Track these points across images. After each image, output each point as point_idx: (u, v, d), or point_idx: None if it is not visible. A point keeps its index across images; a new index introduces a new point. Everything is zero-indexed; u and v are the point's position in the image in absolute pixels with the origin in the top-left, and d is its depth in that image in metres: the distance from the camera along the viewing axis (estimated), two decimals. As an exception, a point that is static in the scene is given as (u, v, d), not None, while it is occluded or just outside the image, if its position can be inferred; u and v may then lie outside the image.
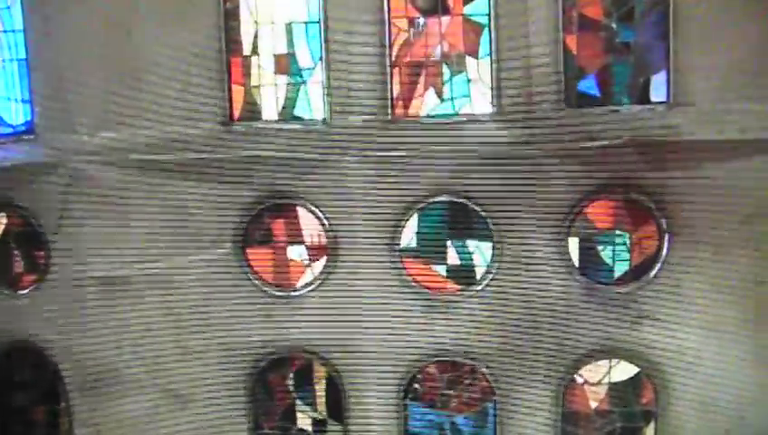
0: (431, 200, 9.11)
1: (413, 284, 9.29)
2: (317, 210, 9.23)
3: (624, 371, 9.29)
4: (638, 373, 9.23)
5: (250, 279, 9.40)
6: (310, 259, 9.40)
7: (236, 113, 9.17)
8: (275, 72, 9.16)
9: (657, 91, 8.69)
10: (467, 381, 9.52)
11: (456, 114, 9.00)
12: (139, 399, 9.57)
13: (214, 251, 9.32)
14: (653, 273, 8.93)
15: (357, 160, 8.99)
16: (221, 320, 9.44)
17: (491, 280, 9.17)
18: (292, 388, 9.75)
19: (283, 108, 9.19)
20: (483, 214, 9.05)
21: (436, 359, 9.47)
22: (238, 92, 9.17)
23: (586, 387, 9.39)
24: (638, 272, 9.01)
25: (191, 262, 9.32)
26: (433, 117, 9.03)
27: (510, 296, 9.19)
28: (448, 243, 9.28)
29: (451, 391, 9.57)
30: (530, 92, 8.70)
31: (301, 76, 9.11)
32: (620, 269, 9.09)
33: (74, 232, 9.38)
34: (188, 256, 9.32)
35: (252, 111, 9.21)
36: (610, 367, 9.30)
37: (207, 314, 9.45)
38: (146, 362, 9.49)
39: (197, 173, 9.12)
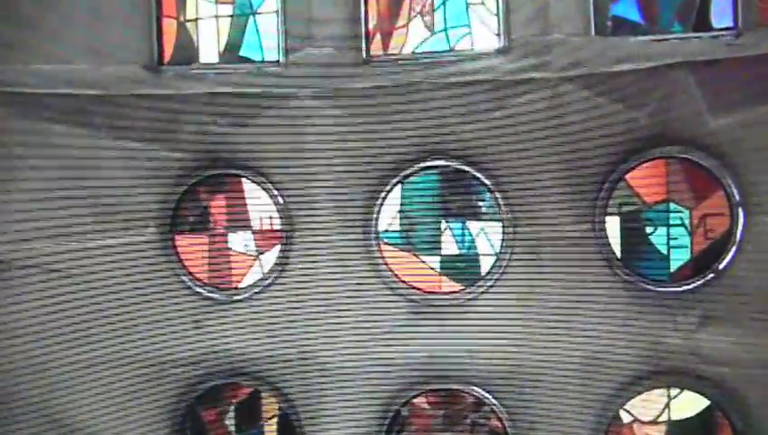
0: (419, 166, 7.12)
1: (395, 282, 7.21)
2: (268, 183, 7.27)
3: (689, 404, 7.03)
4: (709, 407, 6.97)
5: (178, 276, 7.32)
6: (258, 250, 7.41)
7: (167, 54, 7.38)
8: (216, 2, 7.42)
9: (720, 15, 6.82)
10: (471, 419, 7.30)
11: (451, 50, 7.15)
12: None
13: (129, 236, 7.28)
14: (723, 263, 6.80)
15: (320, 115, 7.12)
16: (136, 331, 7.31)
17: (501, 276, 7.08)
18: (232, 427, 7.57)
19: (227, 47, 7.41)
20: (489, 184, 7.03)
21: (428, 387, 7.28)
22: (169, 27, 7.40)
23: (636, 428, 7.13)
24: (702, 262, 6.90)
25: (97, 248, 7.25)
26: (420, 54, 7.19)
27: (527, 298, 7.07)
28: (443, 225, 7.24)
29: (449, 433, 7.38)
30: (548, 19, 6.86)
31: (249, 6, 7.37)
32: (678, 259, 6.96)
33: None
34: (93, 239, 7.24)
35: (186, 52, 7.41)
36: (669, 398, 7.06)
37: (117, 321, 7.32)
38: (29, 382, 7.32)
39: (111, 128, 7.18)
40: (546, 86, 6.83)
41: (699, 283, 6.88)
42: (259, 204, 7.35)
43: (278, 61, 7.24)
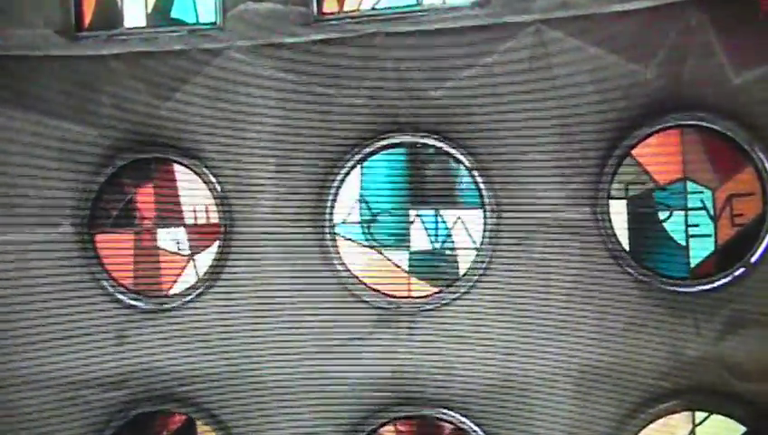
0: (383, 143, 6.03)
1: (355, 284, 6.08)
2: (204, 169, 6.19)
3: (719, 430, 5.77)
4: None
5: (98, 280, 6.26)
6: (192, 249, 6.31)
7: (86, 18, 6.43)
8: (142, -43, 6.49)
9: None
10: (449, 451, 6.16)
11: (419, 6, 6.05)
12: None
13: (38, 233, 6.25)
14: (756, 256, 5.61)
15: (262, 83, 6.05)
16: (47, 347, 6.26)
17: (483, 275, 5.94)
18: (162, 463, 6.45)
19: (155, 9, 6.42)
20: (466, 162, 5.92)
21: (397, 413, 6.10)
22: (89, -13, 6.55)
23: (653, 461, 5.96)
24: (729, 255, 5.73)
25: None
26: (381, 11, 6.10)
27: (514, 302, 5.91)
28: (412, 214, 6.12)
29: (424, 470, 6.21)
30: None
31: (180, -40, 6.44)
32: (700, 251, 5.79)
33: None
34: (-6, 235, 6.30)
35: (108, 15, 6.44)
36: (694, 424, 5.83)
37: (24, 335, 6.26)
38: None
39: (14, 104, 6.22)
40: (528, 33, 5.73)
41: (726, 280, 5.69)
42: (193, 193, 6.28)
43: (214, 23, 6.23)
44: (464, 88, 5.83)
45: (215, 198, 6.20)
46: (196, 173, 6.22)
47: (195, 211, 6.31)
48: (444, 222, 6.08)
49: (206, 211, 6.29)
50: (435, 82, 5.86)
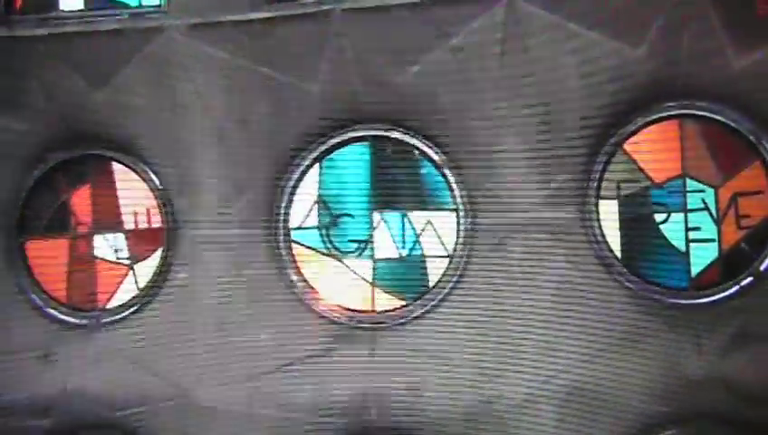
0: (344, 137, 5.44)
1: (312, 297, 5.47)
2: (144, 167, 5.62)
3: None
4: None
5: (25, 293, 5.67)
6: (132, 257, 5.72)
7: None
8: (79, -66, 5.99)
9: None
10: (419, 486, 5.51)
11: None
12: None
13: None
14: (765, 263, 5.02)
15: (208, 69, 5.46)
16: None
17: (456, 285, 5.34)
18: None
19: (94, -9, 5.98)
20: (437, 159, 5.34)
21: (359, 441, 5.60)
22: (20, -33, 6.02)
23: (650, 499, 5.34)
24: (735, 262, 5.13)
25: None
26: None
27: (491, 316, 5.28)
28: (376, 217, 5.52)
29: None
30: None
31: (121, -65, 5.93)
32: (702, 258, 5.17)
33: None
34: None
35: (42, -1, 5.98)
36: (698, 457, 5.31)
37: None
38: None
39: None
40: (500, 8, 5.09)
41: (732, 290, 5.10)
42: (133, 195, 5.70)
43: (159, 5, 5.68)
44: (430, 73, 5.24)
45: (157, 199, 5.65)
46: (135, 172, 5.66)
47: (135, 215, 5.74)
48: (412, 226, 5.48)
49: (148, 215, 5.72)
50: (398, 65, 5.26)
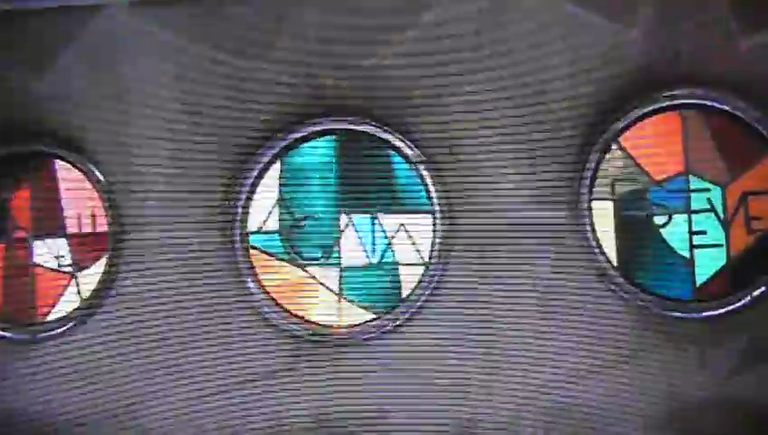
0: (306, 130, 4.87)
1: (271, 309, 4.89)
2: (90, 165, 5.03)
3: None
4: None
5: (-44, 304, 5.12)
6: (74, 265, 5.14)
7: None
8: None
9: None
10: None
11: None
12: None
13: None
14: (781, 272, 4.49)
15: (157, 54, 4.90)
16: None
17: (431, 297, 4.77)
18: None
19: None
20: (410, 153, 4.77)
21: (326, 476, 4.95)
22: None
23: None
24: (745, 270, 4.58)
25: None
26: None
27: (471, 331, 4.73)
28: (343, 219, 4.98)
29: None
30: None
31: None
32: (708, 266, 4.62)
33: None
34: None
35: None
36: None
37: None
38: None
39: None
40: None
41: (741, 302, 4.53)
42: (77, 197, 5.12)
43: (109, -13, 5.19)
44: (401, 55, 4.65)
45: (102, 201, 5.14)
46: (79, 170, 5.13)
47: (79, 218, 5.23)
48: (383, 230, 4.87)
49: (93, 217, 5.20)
50: (364, 46, 4.69)
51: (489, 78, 4.60)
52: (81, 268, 5.17)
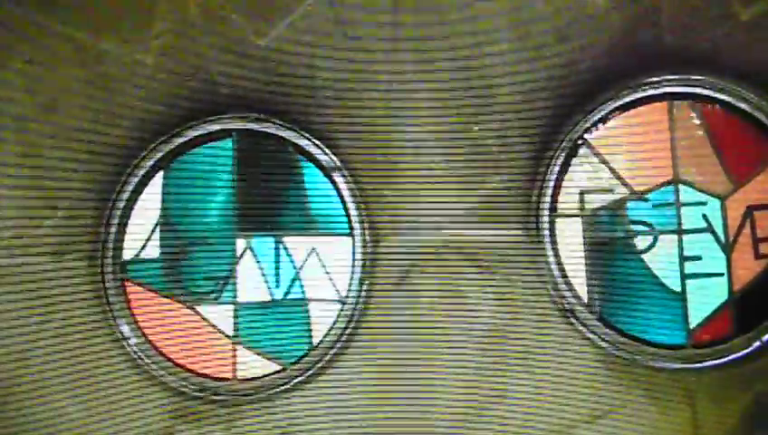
0: (199, 132, 3.95)
1: (152, 357, 3.94)
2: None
3: None
4: None
5: None
6: None
7: None
8: None
9: None
10: None
11: None
12: None
13: None
14: (795, 304, 3.54)
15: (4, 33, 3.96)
16: None
17: (349, 341, 3.85)
18: None
19: None
20: (326, 160, 3.86)
21: None
22: None
23: None
24: (751, 308, 3.64)
25: None
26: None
27: (399, 384, 3.76)
28: (240, 244, 4.05)
29: None
30: None
31: None
32: (704, 303, 3.68)
33: None
34: None
35: None
36: None
37: None
38: None
39: None
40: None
41: (747, 350, 3.60)
42: None
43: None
44: (304, 32, 3.75)
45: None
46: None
47: None
48: (289, 256, 4.01)
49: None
50: (262, 22, 3.76)
51: (416, 63, 3.69)
52: None
